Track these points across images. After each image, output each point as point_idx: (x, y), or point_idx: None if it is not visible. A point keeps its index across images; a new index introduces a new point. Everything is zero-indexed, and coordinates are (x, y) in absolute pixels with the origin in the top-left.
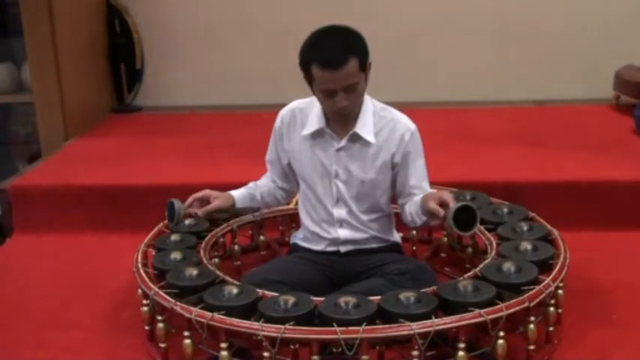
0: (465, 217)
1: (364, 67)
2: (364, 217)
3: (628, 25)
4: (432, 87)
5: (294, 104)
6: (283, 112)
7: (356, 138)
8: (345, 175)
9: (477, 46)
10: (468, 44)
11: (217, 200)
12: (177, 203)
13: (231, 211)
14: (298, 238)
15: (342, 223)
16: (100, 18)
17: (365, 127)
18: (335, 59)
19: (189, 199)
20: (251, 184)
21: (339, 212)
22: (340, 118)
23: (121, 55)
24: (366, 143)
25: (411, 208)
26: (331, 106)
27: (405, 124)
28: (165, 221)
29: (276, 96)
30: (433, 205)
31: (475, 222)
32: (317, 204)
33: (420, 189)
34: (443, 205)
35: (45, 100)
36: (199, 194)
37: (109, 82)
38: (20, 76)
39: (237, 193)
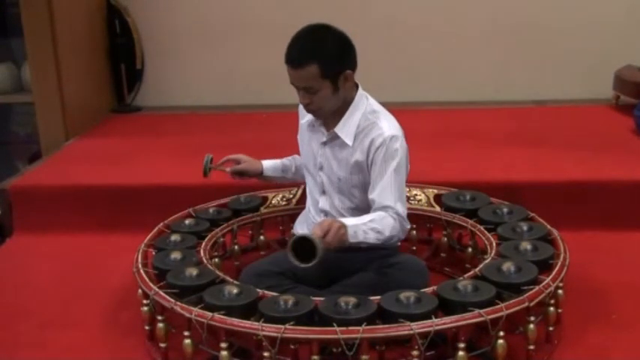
0: (309, 247)
1: (331, 74)
2: (346, 213)
3: (628, 25)
4: (431, 87)
5: None
6: None
7: (336, 136)
8: (327, 169)
9: (477, 46)
10: (468, 44)
11: (246, 164)
12: (207, 157)
13: (260, 178)
14: (299, 225)
15: (325, 213)
16: (100, 18)
17: (345, 128)
18: (293, 59)
19: (223, 159)
20: (290, 157)
21: (323, 203)
22: (310, 114)
23: (121, 55)
24: (344, 143)
25: None
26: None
27: (380, 130)
28: (165, 221)
29: (276, 96)
30: (314, 230)
31: (314, 256)
32: (310, 191)
33: (380, 198)
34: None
35: (45, 100)
36: (233, 155)
37: (109, 82)
38: (20, 76)
39: (268, 163)
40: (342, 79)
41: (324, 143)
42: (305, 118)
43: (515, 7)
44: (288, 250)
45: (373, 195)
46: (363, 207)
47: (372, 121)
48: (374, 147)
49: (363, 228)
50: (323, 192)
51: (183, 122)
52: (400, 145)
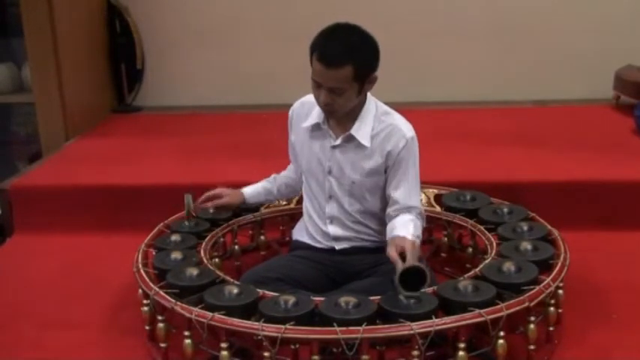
0: (414, 276)
1: (361, 77)
2: (357, 216)
3: (628, 25)
4: (432, 87)
5: (306, 97)
6: (294, 104)
7: (351, 139)
8: (338, 172)
9: (477, 46)
10: (468, 44)
11: (227, 197)
12: (188, 197)
13: (244, 206)
14: (299, 233)
15: (332, 219)
16: (100, 18)
17: (362, 129)
18: (330, 59)
19: (203, 197)
20: (271, 177)
21: (331, 208)
22: (326, 114)
23: (121, 55)
24: (361, 145)
25: (387, 232)
26: (316, 98)
27: (402, 131)
28: (166, 221)
29: (275, 96)
30: (392, 253)
31: (423, 284)
32: (313, 198)
33: (406, 199)
34: (402, 255)
35: (45, 100)
36: (211, 192)
37: (110, 82)
38: (20, 76)
39: (249, 190)
40: (367, 82)
41: (334, 147)
42: (308, 121)
43: (516, 7)
44: (396, 283)
45: (397, 194)
46: (373, 210)
47: (388, 122)
48: (397, 149)
49: (418, 235)
50: (330, 197)
51: (184, 122)
52: (417, 144)
